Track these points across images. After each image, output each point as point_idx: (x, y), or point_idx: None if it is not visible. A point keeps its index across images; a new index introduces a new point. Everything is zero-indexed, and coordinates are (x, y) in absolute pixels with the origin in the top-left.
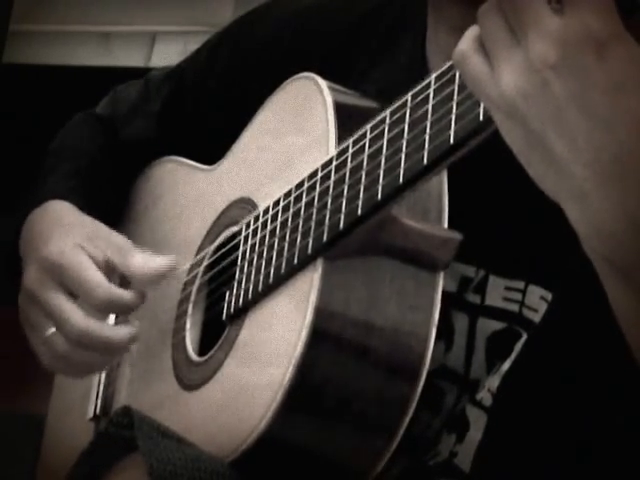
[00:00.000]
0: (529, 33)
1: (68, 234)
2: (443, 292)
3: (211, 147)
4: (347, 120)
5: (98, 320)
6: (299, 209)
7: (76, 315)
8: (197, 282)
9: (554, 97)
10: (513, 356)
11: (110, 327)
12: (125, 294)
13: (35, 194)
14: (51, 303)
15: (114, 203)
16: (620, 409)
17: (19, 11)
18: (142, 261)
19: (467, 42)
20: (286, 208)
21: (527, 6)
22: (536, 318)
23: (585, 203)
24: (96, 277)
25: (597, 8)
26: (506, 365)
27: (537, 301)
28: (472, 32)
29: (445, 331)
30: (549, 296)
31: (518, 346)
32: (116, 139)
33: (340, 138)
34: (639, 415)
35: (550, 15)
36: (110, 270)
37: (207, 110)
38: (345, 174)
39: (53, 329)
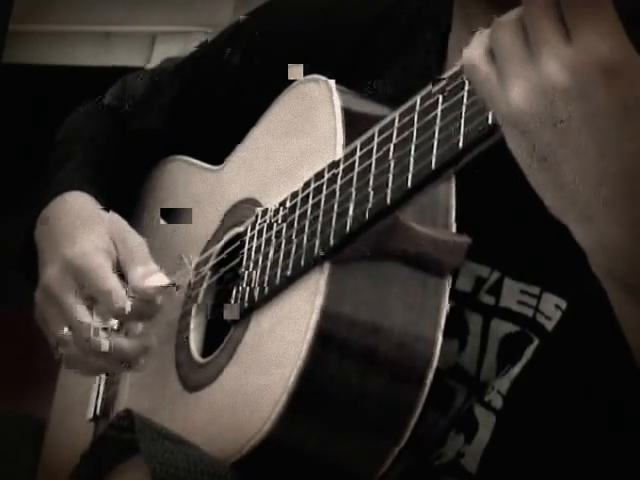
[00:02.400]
0: (543, 53)
1: (90, 233)
2: (458, 291)
3: (222, 141)
4: (355, 124)
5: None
6: (305, 211)
7: (89, 321)
8: (202, 282)
9: (562, 120)
10: (524, 361)
11: (124, 341)
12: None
13: (49, 183)
14: (68, 307)
15: (124, 198)
16: (630, 420)
17: (19, 11)
18: (141, 275)
19: (477, 50)
20: (292, 209)
21: (543, 27)
22: (548, 325)
23: (590, 221)
24: (115, 285)
25: (605, 33)
26: (516, 369)
27: (551, 309)
28: (482, 39)
29: (459, 331)
30: (563, 304)
31: (529, 351)
32: (125, 131)
33: (347, 142)
34: None
35: (564, 39)
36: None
37: (221, 104)
38: (352, 177)
39: (66, 329)
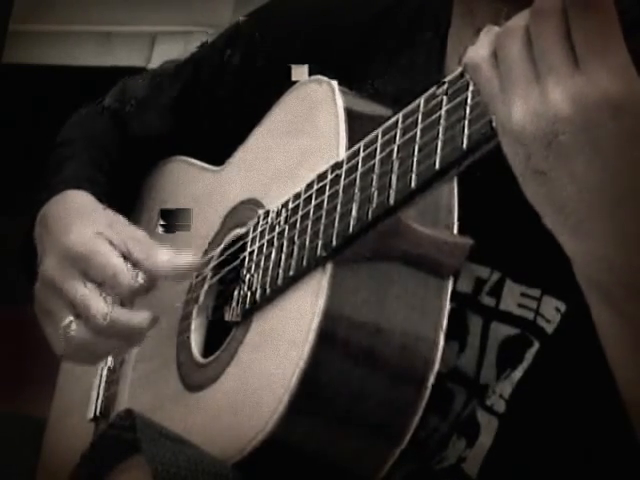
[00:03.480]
0: (549, 79)
1: (88, 223)
2: (458, 292)
3: (223, 142)
4: (357, 124)
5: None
6: (308, 212)
7: (101, 303)
8: (203, 283)
9: (563, 146)
10: (525, 364)
11: (133, 313)
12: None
13: (49, 184)
14: (73, 293)
15: (126, 198)
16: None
17: (19, 11)
18: (168, 258)
19: (482, 50)
20: (295, 210)
21: (552, 50)
22: (548, 328)
23: (582, 234)
24: (121, 265)
25: (614, 68)
26: (518, 373)
27: (552, 312)
28: (487, 39)
29: (459, 332)
30: (563, 307)
31: (529, 354)
32: (126, 133)
33: (350, 142)
34: None
35: (572, 67)
36: (129, 261)
37: (221, 105)
38: (355, 178)
39: (71, 318)
